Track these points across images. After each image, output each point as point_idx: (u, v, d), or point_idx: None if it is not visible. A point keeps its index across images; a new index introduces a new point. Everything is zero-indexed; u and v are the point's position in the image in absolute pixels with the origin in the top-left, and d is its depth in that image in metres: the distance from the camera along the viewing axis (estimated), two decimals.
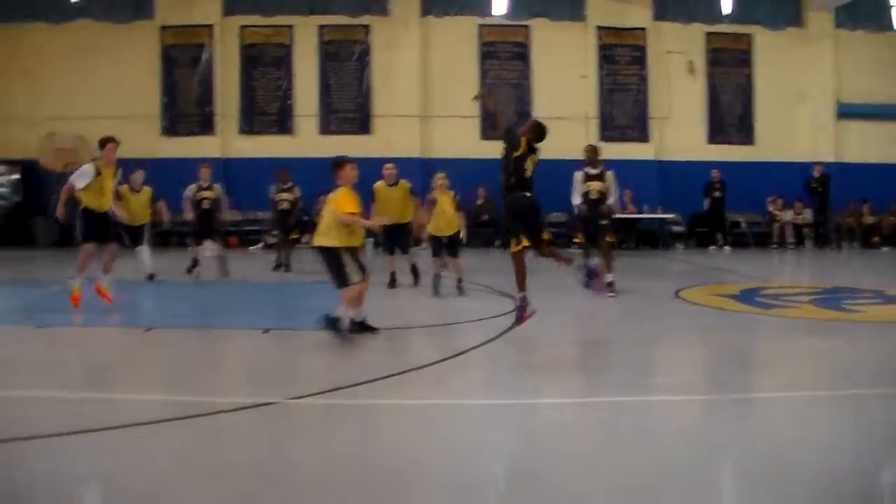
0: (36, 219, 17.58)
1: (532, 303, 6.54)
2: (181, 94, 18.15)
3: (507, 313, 7.53)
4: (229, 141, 17.99)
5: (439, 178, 9.47)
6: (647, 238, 17.76)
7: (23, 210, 17.73)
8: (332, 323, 6.21)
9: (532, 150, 6.71)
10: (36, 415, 4.44)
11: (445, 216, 9.34)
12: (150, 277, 10.68)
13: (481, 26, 18.27)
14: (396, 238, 9.92)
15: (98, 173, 8.20)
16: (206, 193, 11.44)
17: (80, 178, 8.12)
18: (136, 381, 5.55)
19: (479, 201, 17.46)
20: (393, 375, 5.34)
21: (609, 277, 9.01)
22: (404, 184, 9.96)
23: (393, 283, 9.90)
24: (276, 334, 6.98)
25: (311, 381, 5.52)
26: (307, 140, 17.83)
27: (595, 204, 9.20)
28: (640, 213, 17.56)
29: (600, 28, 18.28)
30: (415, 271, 10.13)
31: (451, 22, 18.20)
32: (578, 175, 9.42)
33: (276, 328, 7.20)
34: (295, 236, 12.78)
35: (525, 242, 6.51)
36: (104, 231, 8.45)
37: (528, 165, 6.66)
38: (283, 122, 18.14)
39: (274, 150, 17.48)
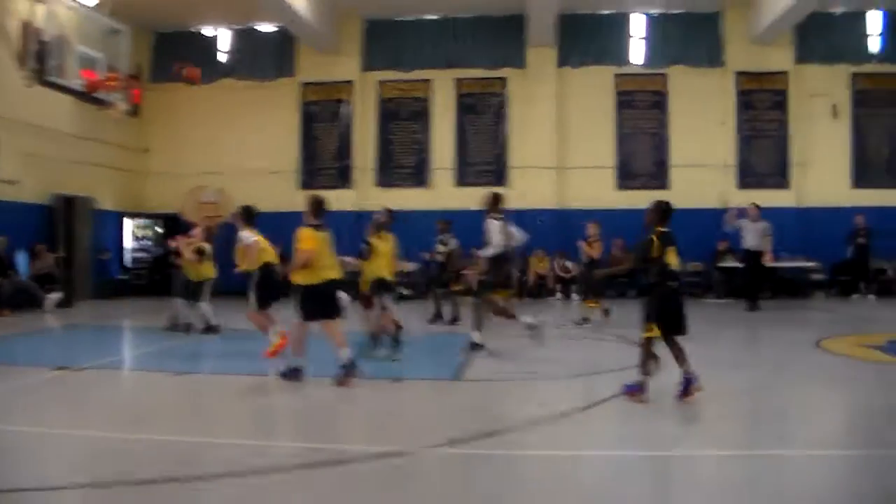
0: (176, 270, 21.84)
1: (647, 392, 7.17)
2: (319, 149, 21.62)
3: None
4: (365, 194, 21.31)
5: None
6: (786, 287, 19.99)
7: (164, 262, 22.01)
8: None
9: (668, 241, 7.24)
10: (175, 458, 5.49)
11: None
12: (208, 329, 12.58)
13: (618, 76, 21.14)
14: None
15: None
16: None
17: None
18: (274, 428, 6.74)
19: (615, 252, 20.78)
20: (530, 425, 6.37)
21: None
22: None
23: None
24: (410, 384, 8.29)
25: (445, 430, 6.42)
26: (443, 192, 21.17)
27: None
28: (780, 262, 20.48)
29: (740, 73, 20.85)
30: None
31: (587, 72, 21.12)
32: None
33: (411, 378, 8.50)
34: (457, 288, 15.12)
35: (657, 332, 7.16)
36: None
37: (672, 259, 7.24)
38: (419, 175, 21.44)
39: (410, 202, 21.13)
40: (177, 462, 5.39)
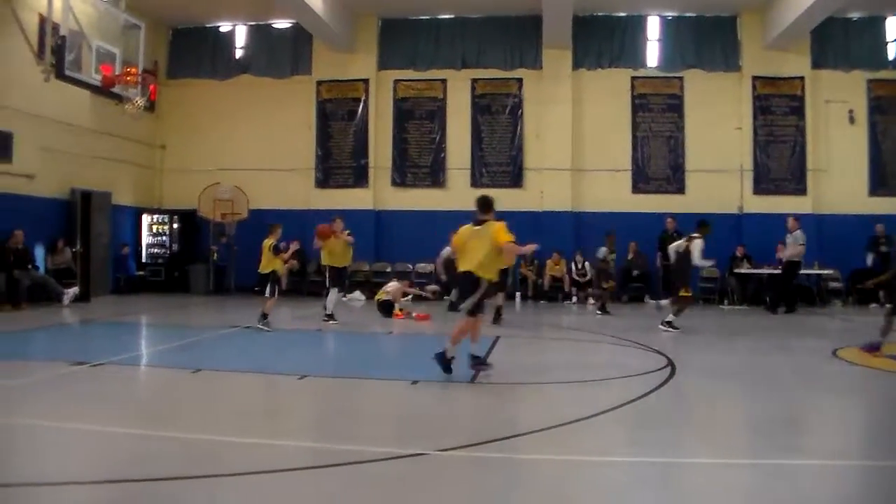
0: (192, 267, 21.97)
1: None
2: (335, 147, 22.14)
3: (656, 370, 9.26)
4: (382, 193, 21.89)
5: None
6: (802, 295, 20.03)
7: (181, 258, 22.12)
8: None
9: None
10: (191, 456, 5.54)
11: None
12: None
13: (634, 78, 21.56)
14: None
15: None
16: None
17: None
18: (289, 428, 6.75)
19: (630, 256, 20.73)
20: (542, 430, 6.44)
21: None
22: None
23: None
24: (424, 385, 8.40)
25: (460, 433, 6.53)
26: (459, 193, 21.46)
27: None
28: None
29: (756, 78, 21.21)
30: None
31: (603, 74, 21.58)
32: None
33: (426, 380, 8.55)
34: None
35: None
36: None
37: None
38: (435, 175, 21.89)
39: (426, 202, 21.42)
40: (192, 460, 5.48)
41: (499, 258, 8.73)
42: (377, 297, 16.24)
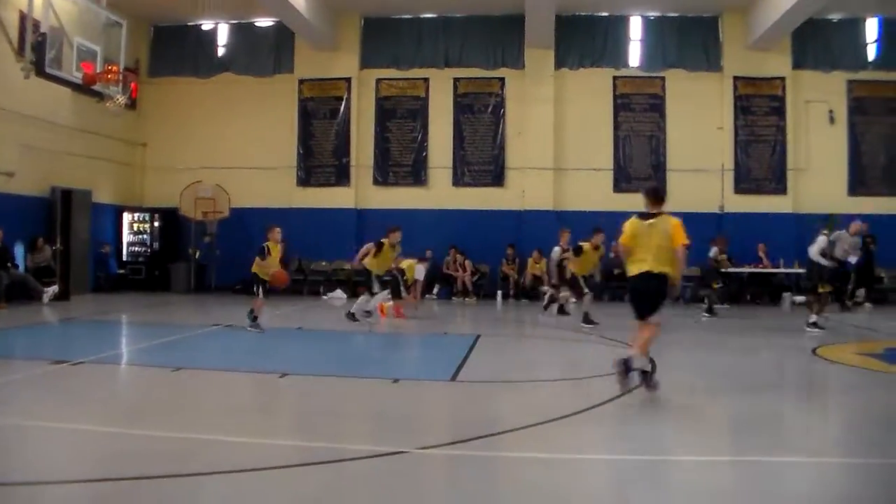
0: (173, 265, 21.94)
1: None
2: (317, 146, 22.16)
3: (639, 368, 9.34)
4: (363, 192, 21.93)
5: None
6: (782, 293, 20.56)
7: (162, 256, 22.08)
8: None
9: None
10: (170, 454, 5.52)
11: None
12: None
13: (616, 78, 21.68)
14: None
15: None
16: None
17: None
18: (270, 426, 6.71)
19: (613, 255, 20.74)
20: (523, 428, 6.46)
21: None
22: None
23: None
24: (405, 383, 8.50)
25: (441, 431, 6.66)
26: (441, 192, 21.65)
27: None
28: (775, 268, 20.71)
29: (737, 78, 21.37)
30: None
31: (585, 74, 21.69)
32: None
33: (407, 378, 8.75)
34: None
35: None
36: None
37: None
38: (417, 174, 21.94)
39: (407, 201, 21.47)
40: (171, 459, 5.45)
41: (671, 256, 7.54)
42: (399, 266, 15.65)
